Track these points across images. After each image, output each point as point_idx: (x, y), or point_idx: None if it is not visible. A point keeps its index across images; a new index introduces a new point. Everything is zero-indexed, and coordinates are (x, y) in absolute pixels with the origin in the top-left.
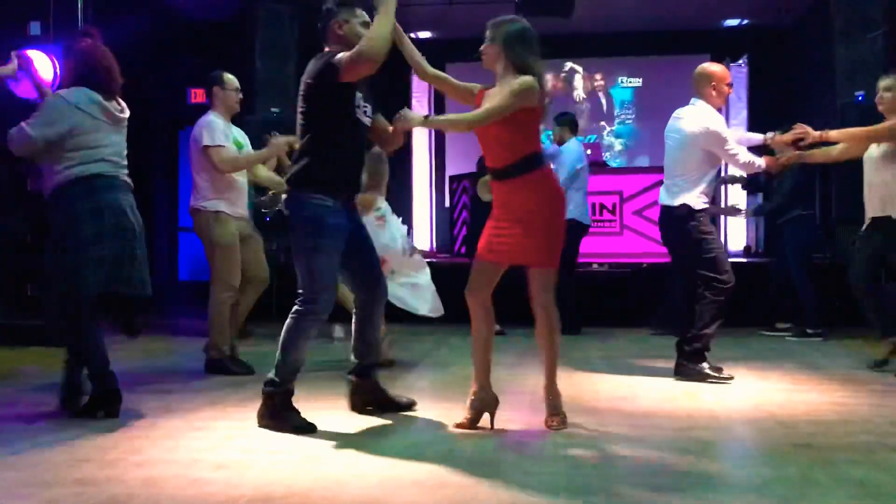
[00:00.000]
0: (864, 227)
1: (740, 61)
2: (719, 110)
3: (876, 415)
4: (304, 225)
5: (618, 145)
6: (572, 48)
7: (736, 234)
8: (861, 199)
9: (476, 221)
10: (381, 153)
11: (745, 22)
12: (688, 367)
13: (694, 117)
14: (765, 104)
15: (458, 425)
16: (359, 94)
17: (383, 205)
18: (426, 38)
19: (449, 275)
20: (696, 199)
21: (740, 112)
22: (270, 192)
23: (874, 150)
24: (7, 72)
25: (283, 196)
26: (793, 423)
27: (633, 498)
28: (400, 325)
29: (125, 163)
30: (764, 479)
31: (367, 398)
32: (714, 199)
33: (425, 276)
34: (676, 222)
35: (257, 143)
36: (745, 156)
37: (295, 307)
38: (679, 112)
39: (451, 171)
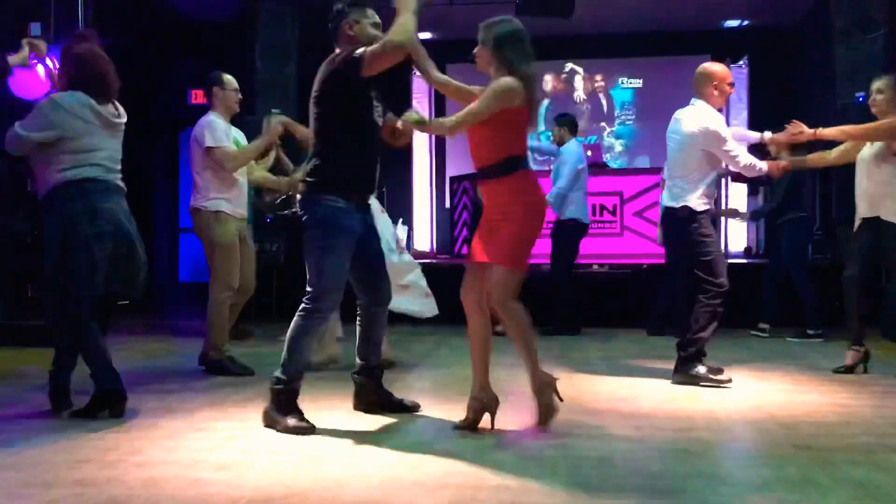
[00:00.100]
0: (855, 228)
1: (740, 62)
2: (720, 111)
3: (876, 416)
4: (317, 225)
5: (618, 146)
6: (573, 49)
7: (737, 236)
8: None
9: (477, 223)
10: None
11: (746, 23)
12: (684, 372)
13: (693, 117)
14: (765, 105)
15: (460, 426)
16: (373, 94)
17: (373, 203)
18: (427, 39)
19: (449, 276)
20: (697, 200)
21: (741, 113)
22: (281, 194)
23: (867, 152)
24: (20, 59)
25: (297, 197)
26: (793, 424)
27: (634, 499)
28: (400, 326)
29: (119, 167)
30: (764, 480)
31: (371, 399)
32: (716, 200)
33: (414, 276)
34: (678, 224)
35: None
36: (746, 158)
37: (302, 305)
38: (679, 113)
39: (451, 171)
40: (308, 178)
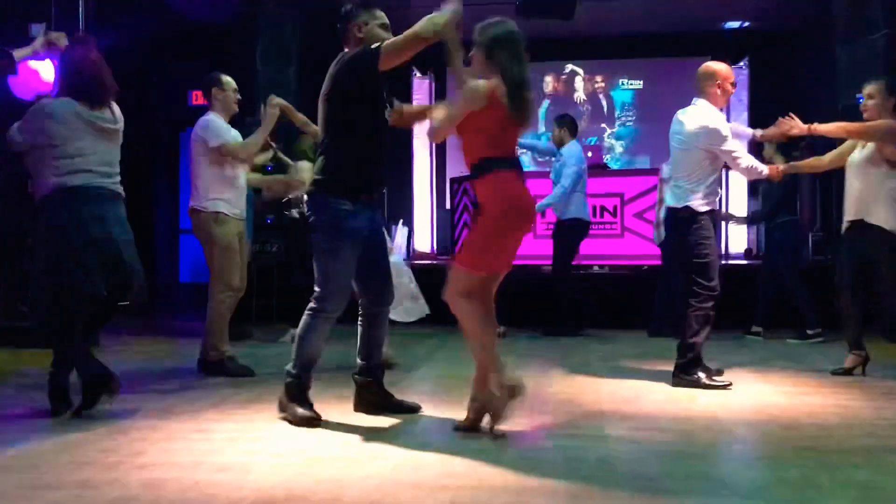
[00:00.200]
0: (842, 230)
1: (741, 64)
2: (721, 111)
3: (878, 417)
4: (324, 227)
5: (618, 147)
6: (573, 50)
7: (737, 237)
8: None
9: None
10: None
11: (746, 24)
12: (683, 376)
13: (695, 117)
14: (765, 106)
15: (459, 427)
16: (384, 94)
17: None
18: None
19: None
20: (699, 201)
21: (741, 114)
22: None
23: (856, 156)
24: (36, 46)
25: (304, 197)
26: (794, 426)
27: (634, 500)
28: (400, 327)
29: (115, 171)
30: (766, 482)
31: (372, 400)
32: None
33: (403, 279)
34: (680, 224)
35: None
36: (748, 160)
37: (310, 304)
38: (681, 112)
39: (451, 173)
40: (317, 177)
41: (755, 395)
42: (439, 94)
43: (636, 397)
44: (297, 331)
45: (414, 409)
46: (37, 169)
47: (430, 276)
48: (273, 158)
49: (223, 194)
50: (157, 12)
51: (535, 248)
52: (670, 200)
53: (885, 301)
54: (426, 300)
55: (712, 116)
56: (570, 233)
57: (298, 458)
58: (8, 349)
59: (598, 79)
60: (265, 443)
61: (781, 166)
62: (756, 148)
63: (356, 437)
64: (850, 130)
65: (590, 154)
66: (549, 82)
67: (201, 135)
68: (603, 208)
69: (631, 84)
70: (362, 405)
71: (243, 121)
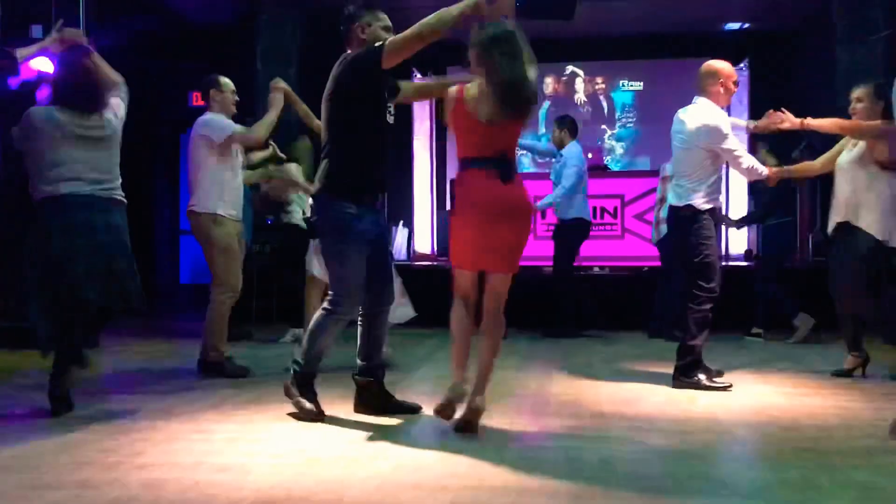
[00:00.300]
0: (829, 232)
1: (741, 65)
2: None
3: (878, 418)
4: (332, 232)
5: (619, 149)
6: (573, 51)
7: (738, 238)
8: None
9: None
10: None
11: (746, 25)
12: (683, 378)
13: (694, 115)
14: (765, 107)
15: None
16: (386, 96)
17: None
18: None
19: (449, 279)
20: (700, 199)
21: (741, 115)
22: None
23: (845, 158)
24: (45, 44)
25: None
26: (795, 427)
27: (636, 501)
28: (400, 328)
29: (107, 177)
30: (766, 483)
31: (373, 401)
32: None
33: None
34: (681, 223)
35: (257, 147)
36: (749, 160)
37: (324, 305)
38: (682, 111)
39: (451, 174)
40: (322, 181)
41: (755, 396)
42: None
43: (637, 398)
44: (309, 327)
45: (414, 410)
46: (31, 173)
47: (430, 278)
48: (270, 157)
49: (222, 196)
50: (157, 13)
51: (535, 249)
52: (672, 199)
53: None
54: (427, 301)
55: (713, 114)
56: (571, 233)
57: (298, 459)
58: (8, 350)
59: (599, 80)
60: (265, 443)
61: (774, 169)
62: (750, 147)
63: (356, 438)
64: (845, 127)
65: (590, 155)
66: (549, 83)
67: (203, 133)
68: (603, 209)
69: (631, 85)
70: (363, 405)
71: (243, 121)
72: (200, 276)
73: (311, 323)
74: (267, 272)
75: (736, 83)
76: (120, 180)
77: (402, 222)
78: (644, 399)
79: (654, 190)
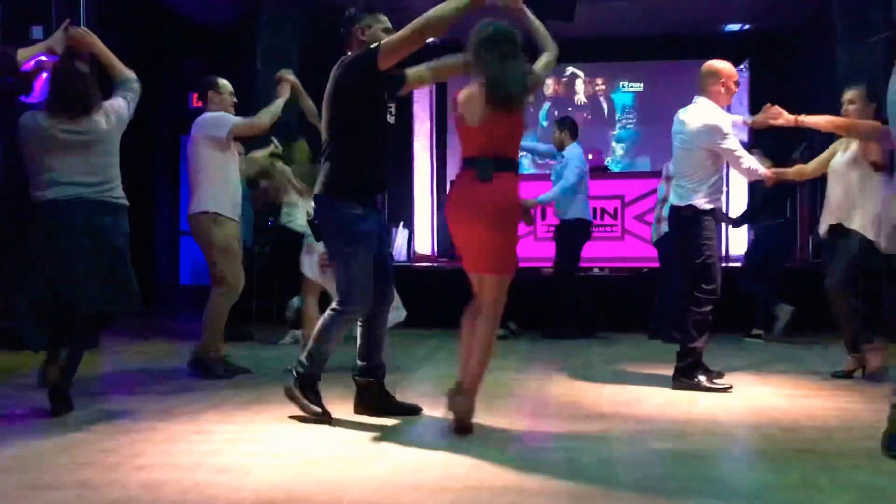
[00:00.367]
0: (822, 233)
1: (741, 66)
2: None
3: (877, 419)
4: (337, 233)
5: (619, 150)
6: (573, 53)
7: (738, 239)
8: None
9: None
10: None
11: (747, 27)
12: (684, 379)
13: (695, 115)
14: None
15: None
16: (385, 96)
17: None
18: (428, 43)
19: (450, 279)
20: (702, 200)
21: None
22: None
23: (838, 161)
24: (50, 44)
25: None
26: (794, 428)
27: (636, 502)
28: (401, 329)
29: (100, 180)
30: (766, 484)
31: (373, 401)
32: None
33: None
34: (683, 223)
35: (258, 144)
36: (749, 161)
37: (333, 305)
38: (682, 111)
39: (452, 175)
40: (323, 182)
41: (755, 397)
42: (440, 97)
43: (637, 400)
44: (317, 327)
45: (414, 411)
46: (29, 176)
47: (430, 279)
48: (270, 155)
49: (223, 195)
50: (157, 13)
51: (535, 250)
52: (674, 199)
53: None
54: (427, 302)
55: (714, 114)
56: (572, 234)
57: (298, 460)
58: (8, 350)
59: (599, 81)
60: (265, 444)
61: (772, 170)
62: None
63: (356, 439)
64: (839, 125)
65: (590, 156)
66: (549, 85)
67: (206, 131)
68: (603, 210)
69: (631, 87)
70: (363, 406)
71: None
72: (201, 276)
73: (319, 323)
74: (267, 273)
75: (737, 83)
76: (115, 182)
77: (402, 223)
78: (644, 400)
79: (654, 191)
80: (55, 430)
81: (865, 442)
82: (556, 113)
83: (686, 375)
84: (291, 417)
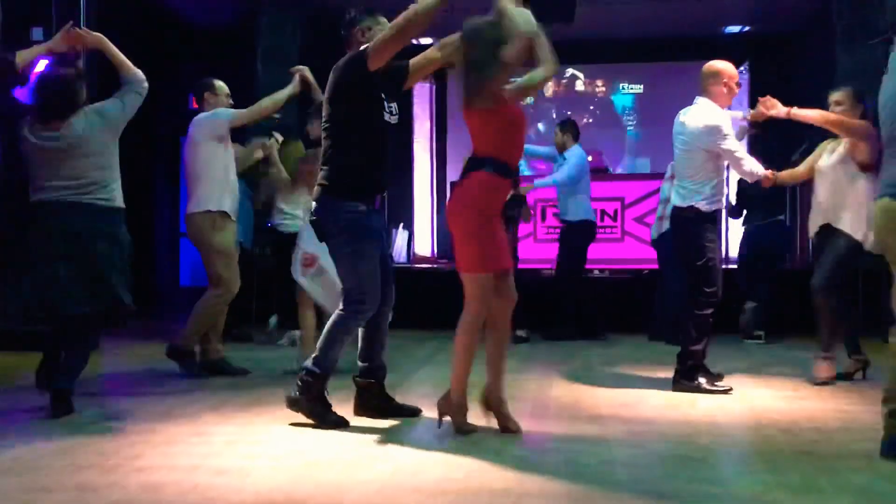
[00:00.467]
0: (811, 235)
1: (742, 68)
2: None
3: (877, 422)
4: (344, 232)
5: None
6: (573, 54)
7: (738, 240)
8: None
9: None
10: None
11: (747, 28)
12: (684, 382)
13: (695, 115)
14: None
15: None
16: (383, 95)
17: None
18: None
19: (449, 281)
20: (704, 201)
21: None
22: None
23: (825, 162)
24: (51, 45)
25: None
26: (794, 430)
27: None
28: (400, 331)
29: (85, 182)
30: (766, 486)
31: (373, 403)
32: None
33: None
34: (684, 224)
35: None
36: (750, 162)
37: (341, 306)
38: (682, 113)
39: (452, 176)
40: (323, 182)
41: (755, 399)
42: (440, 99)
43: (637, 401)
44: (325, 331)
45: (414, 413)
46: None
47: (430, 281)
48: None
49: (222, 194)
50: (157, 14)
51: (535, 251)
52: (676, 200)
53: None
54: (426, 304)
55: (714, 114)
56: (577, 235)
57: (298, 462)
58: (8, 352)
59: (599, 83)
60: (264, 446)
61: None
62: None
63: (356, 441)
64: (831, 120)
65: (590, 158)
66: (549, 86)
67: (206, 129)
68: (603, 212)
69: (631, 88)
70: (363, 408)
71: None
72: (201, 278)
73: (328, 326)
74: (267, 275)
75: (738, 84)
76: (102, 184)
77: (402, 225)
78: (644, 402)
79: (654, 192)
80: (54, 432)
81: (865, 444)
82: (553, 115)
83: (686, 377)
84: (292, 424)
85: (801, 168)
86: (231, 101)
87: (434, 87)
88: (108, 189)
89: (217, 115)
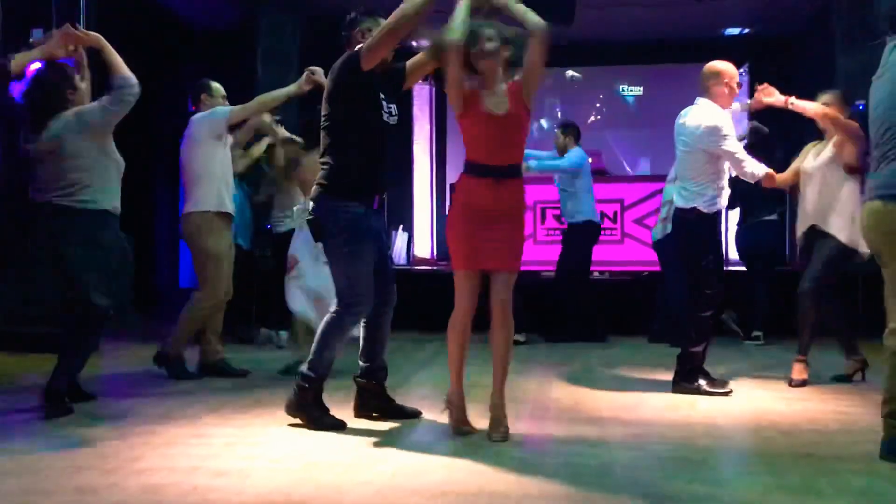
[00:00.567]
0: (798, 237)
1: (741, 70)
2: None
3: (877, 423)
4: (340, 232)
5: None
6: (573, 56)
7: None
8: None
9: None
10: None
11: (746, 31)
12: (684, 383)
13: (695, 115)
14: (765, 113)
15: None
16: (381, 96)
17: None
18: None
19: (449, 283)
20: (706, 203)
21: (741, 120)
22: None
23: (811, 163)
24: (48, 48)
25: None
26: (794, 432)
27: None
28: (400, 333)
29: (58, 185)
30: (765, 488)
31: (373, 403)
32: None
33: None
34: (686, 226)
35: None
36: (751, 162)
37: (334, 308)
38: (683, 114)
39: (451, 178)
40: (322, 182)
41: (755, 401)
42: (440, 101)
43: (636, 404)
44: (320, 331)
45: (414, 415)
46: None
47: (429, 282)
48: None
49: (221, 192)
50: (157, 16)
51: (535, 253)
52: (678, 201)
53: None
54: (426, 306)
55: (713, 115)
56: (581, 236)
57: (297, 464)
58: (8, 353)
59: (599, 85)
60: (264, 448)
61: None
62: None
63: (356, 443)
64: (829, 114)
65: (590, 160)
66: (548, 86)
67: (205, 127)
68: (603, 214)
69: (631, 90)
70: (363, 408)
71: (239, 125)
72: None
73: (322, 327)
74: (268, 276)
75: (739, 84)
76: (79, 185)
77: (401, 226)
78: (643, 404)
79: (654, 194)
80: (54, 434)
81: (865, 446)
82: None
83: (686, 379)
84: (292, 426)
85: (788, 172)
86: (227, 103)
87: (434, 88)
88: (89, 191)
89: (215, 113)
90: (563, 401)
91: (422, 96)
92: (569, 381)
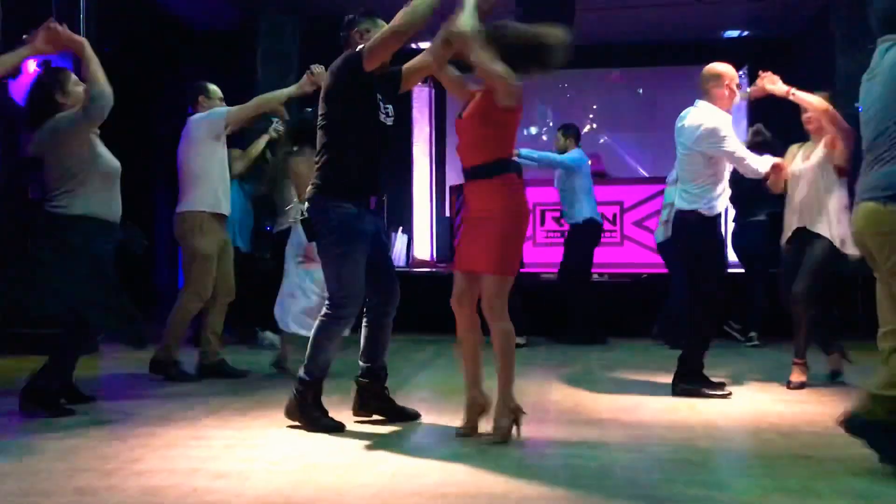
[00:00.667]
0: (785, 240)
1: (740, 72)
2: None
3: None
4: (332, 233)
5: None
6: (573, 59)
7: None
8: None
9: None
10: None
11: (746, 33)
12: (684, 385)
13: (695, 117)
14: (765, 114)
15: (461, 432)
16: (379, 96)
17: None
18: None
19: (448, 285)
20: (707, 205)
21: (740, 122)
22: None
23: (799, 164)
24: (39, 48)
25: (305, 203)
26: (793, 434)
27: None
28: (400, 335)
29: (47, 189)
30: (764, 490)
31: (373, 403)
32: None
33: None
34: (687, 228)
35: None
36: (752, 160)
37: (324, 310)
38: (682, 116)
39: (451, 180)
40: (318, 182)
41: (754, 402)
42: (439, 103)
43: (636, 406)
44: (312, 334)
45: (414, 417)
46: None
47: (429, 284)
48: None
49: (217, 192)
50: (157, 17)
51: (536, 255)
52: (679, 203)
53: (797, 292)
54: (426, 307)
55: (712, 117)
56: (582, 236)
57: (297, 465)
58: (9, 354)
59: (599, 87)
60: (263, 449)
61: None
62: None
63: (355, 444)
64: (828, 111)
65: (589, 162)
66: (548, 88)
67: (204, 127)
68: (602, 216)
69: (631, 92)
70: (363, 408)
71: (244, 126)
72: None
73: (314, 330)
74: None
75: (738, 86)
76: (59, 191)
77: (401, 228)
78: (643, 406)
79: (653, 196)
80: (54, 436)
81: (864, 448)
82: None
83: (686, 381)
84: (291, 427)
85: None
86: (224, 105)
87: (433, 91)
88: (65, 196)
89: (213, 113)
90: (563, 403)
91: (421, 98)
92: (568, 383)
